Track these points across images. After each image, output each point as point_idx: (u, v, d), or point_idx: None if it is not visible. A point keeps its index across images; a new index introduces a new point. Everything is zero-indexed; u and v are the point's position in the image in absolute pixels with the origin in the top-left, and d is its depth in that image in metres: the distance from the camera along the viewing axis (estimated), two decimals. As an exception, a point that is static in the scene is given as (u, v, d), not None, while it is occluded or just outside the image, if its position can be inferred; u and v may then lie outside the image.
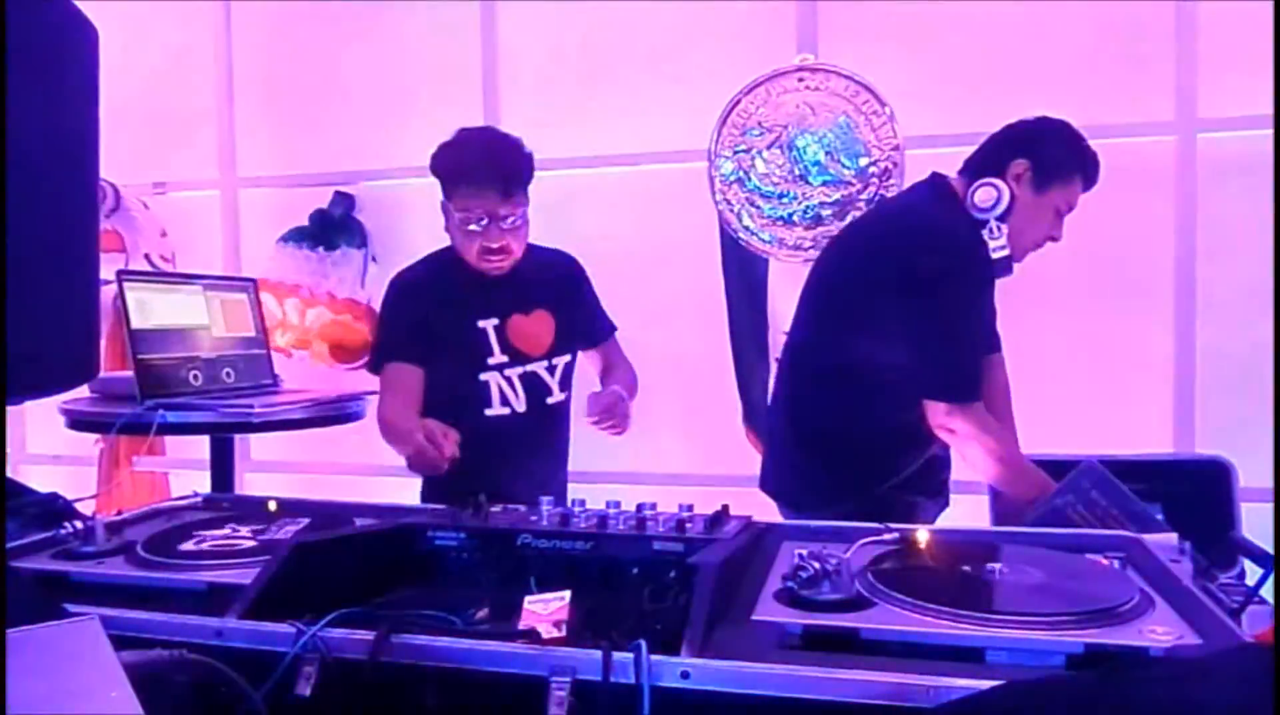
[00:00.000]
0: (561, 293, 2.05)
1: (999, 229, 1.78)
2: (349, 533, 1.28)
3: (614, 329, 2.17)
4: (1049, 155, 1.79)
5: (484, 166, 1.83)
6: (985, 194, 1.79)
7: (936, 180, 1.92)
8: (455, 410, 1.81)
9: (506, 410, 1.95)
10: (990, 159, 1.84)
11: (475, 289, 1.94)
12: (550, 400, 2.01)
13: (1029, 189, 1.79)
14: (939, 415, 1.77)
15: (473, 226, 1.85)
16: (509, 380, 1.95)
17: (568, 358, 2.05)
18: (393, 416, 1.84)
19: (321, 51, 3.36)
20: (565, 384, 2.05)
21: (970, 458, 1.80)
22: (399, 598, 1.14)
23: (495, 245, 1.87)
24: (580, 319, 2.09)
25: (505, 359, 1.95)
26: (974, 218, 1.80)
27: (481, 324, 1.94)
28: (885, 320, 1.80)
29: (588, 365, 2.16)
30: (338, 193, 3.23)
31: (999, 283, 1.91)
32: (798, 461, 2.03)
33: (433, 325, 1.92)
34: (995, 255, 1.79)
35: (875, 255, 1.85)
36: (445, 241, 1.99)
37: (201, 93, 3.44)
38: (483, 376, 1.94)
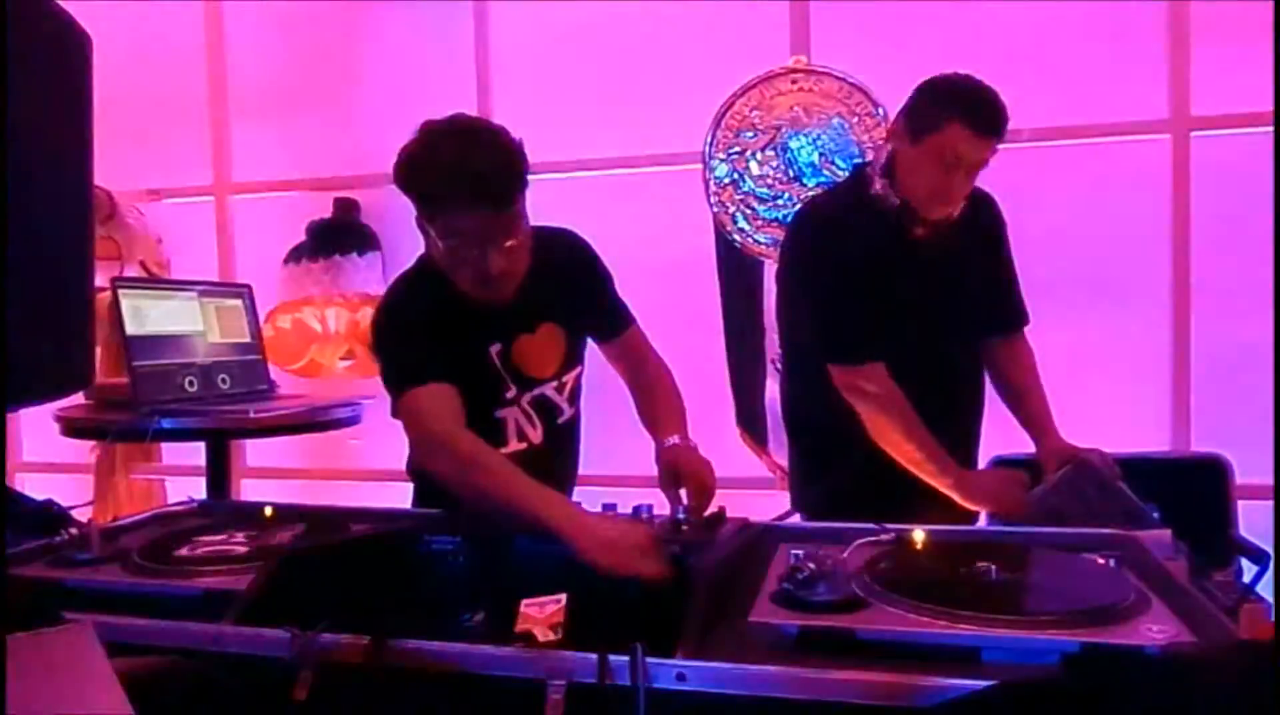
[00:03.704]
0: (569, 291, 1.70)
1: (884, 184, 1.83)
2: (345, 538, 1.28)
3: (633, 319, 1.81)
4: (918, 109, 1.81)
5: (463, 184, 1.43)
6: (874, 156, 1.92)
7: (852, 169, 2.05)
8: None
9: (524, 445, 1.66)
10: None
11: (473, 310, 1.59)
12: (561, 420, 1.73)
13: (905, 142, 1.81)
14: (840, 377, 1.81)
15: (464, 253, 1.49)
16: (525, 412, 1.67)
17: (577, 371, 1.76)
18: (570, 514, 1.28)
19: (315, 57, 3.36)
20: (574, 399, 1.77)
21: (875, 423, 1.80)
22: (395, 602, 1.14)
23: (493, 272, 1.51)
24: (592, 311, 1.76)
25: (515, 390, 1.65)
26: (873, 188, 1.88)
27: (489, 352, 1.63)
28: (795, 304, 1.94)
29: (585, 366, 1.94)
30: (338, 199, 3.23)
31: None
32: (798, 464, 2.05)
33: (444, 358, 1.55)
34: (885, 206, 1.82)
35: (780, 248, 2.05)
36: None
37: (196, 99, 3.44)
38: (499, 413, 1.64)
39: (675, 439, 1.63)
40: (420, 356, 1.54)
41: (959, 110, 1.74)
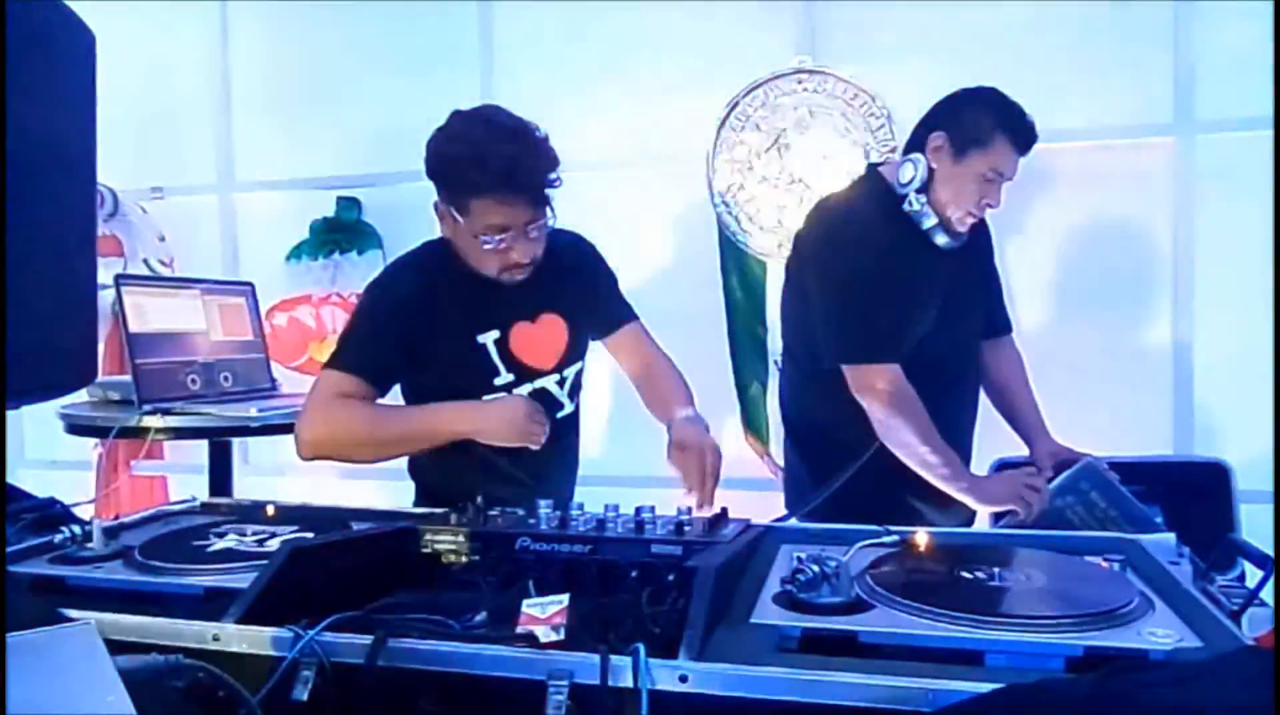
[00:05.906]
0: (573, 285, 1.73)
1: (917, 200, 1.82)
2: (346, 536, 1.27)
3: (635, 315, 1.85)
4: (962, 124, 1.80)
5: (516, 175, 1.49)
6: (904, 171, 1.85)
7: (867, 170, 2.01)
8: (454, 441, 1.58)
9: None
10: (915, 137, 1.89)
11: (471, 296, 1.63)
12: (560, 415, 1.73)
13: (947, 159, 1.81)
14: (854, 376, 1.80)
15: (498, 242, 1.54)
16: None
17: (579, 366, 1.78)
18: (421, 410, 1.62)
19: (319, 55, 3.36)
20: (575, 394, 1.78)
21: (888, 425, 1.78)
22: (396, 602, 1.14)
23: (525, 260, 1.58)
24: (595, 308, 1.79)
25: (511, 378, 1.66)
26: (896, 194, 1.86)
27: (481, 339, 1.64)
28: (810, 301, 1.90)
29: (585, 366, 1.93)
30: (342, 198, 3.24)
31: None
32: (794, 468, 2.05)
33: (423, 345, 1.61)
34: (925, 225, 1.83)
35: (793, 247, 2.00)
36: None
37: (199, 97, 3.44)
38: (487, 399, 1.64)
39: (689, 411, 1.68)
40: (361, 345, 1.62)
41: (1008, 127, 1.78)
